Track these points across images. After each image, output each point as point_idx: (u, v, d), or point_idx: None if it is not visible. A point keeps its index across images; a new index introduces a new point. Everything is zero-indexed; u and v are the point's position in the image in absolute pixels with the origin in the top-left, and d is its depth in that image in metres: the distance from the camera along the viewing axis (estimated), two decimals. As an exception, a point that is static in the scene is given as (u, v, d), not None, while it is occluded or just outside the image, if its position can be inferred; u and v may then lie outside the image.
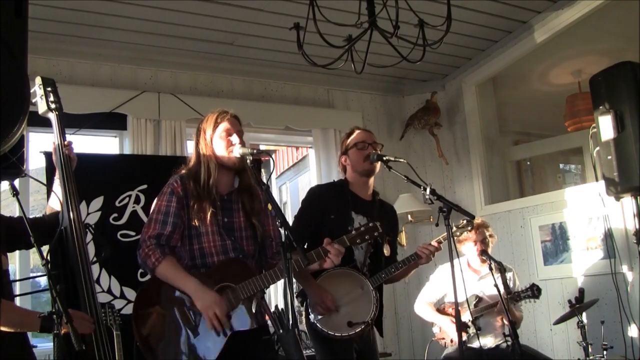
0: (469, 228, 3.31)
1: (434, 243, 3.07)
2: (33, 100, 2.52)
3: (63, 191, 2.44)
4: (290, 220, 3.21)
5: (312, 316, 2.93)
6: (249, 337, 2.51)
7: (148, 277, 2.68)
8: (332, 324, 2.90)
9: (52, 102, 2.51)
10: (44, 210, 2.60)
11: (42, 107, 2.52)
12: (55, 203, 2.52)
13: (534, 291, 3.72)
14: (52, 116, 2.51)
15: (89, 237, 3.74)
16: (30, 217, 2.66)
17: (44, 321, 2.08)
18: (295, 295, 3.18)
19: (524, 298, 3.76)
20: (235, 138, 2.61)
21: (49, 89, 2.54)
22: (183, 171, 2.67)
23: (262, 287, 2.52)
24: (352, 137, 3.25)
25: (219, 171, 2.61)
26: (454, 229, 3.25)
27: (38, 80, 2.55)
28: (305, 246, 3.00)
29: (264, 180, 5.15)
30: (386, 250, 3.16)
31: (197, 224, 2.55)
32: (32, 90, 2.51)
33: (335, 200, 3.14)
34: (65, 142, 2.50)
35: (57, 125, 2.51)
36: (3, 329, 2.10)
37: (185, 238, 2.57)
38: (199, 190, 2.56)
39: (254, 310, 2.52)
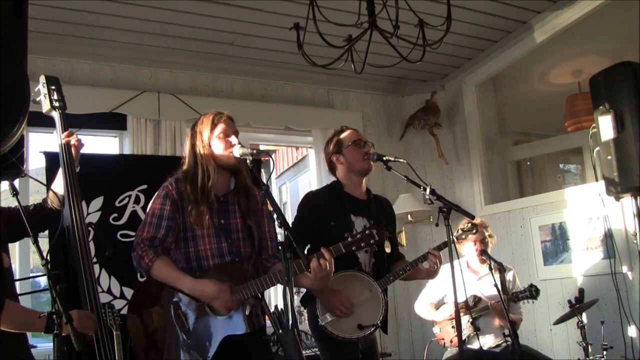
0: (474, 231, 3.30)
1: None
2: (37, 99, 2.53)
3: (66, 189, 2.44)
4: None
5: (321, 319, 2.89)
6: (244, 339, 2.50)
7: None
8: (342, 327, 2.88)
9: (55, 100, 2.51)
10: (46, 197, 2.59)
11: (45, 106, 2.53)
12: (58, 188, 2.52)
13: (532, 292, 3.71)
14: (55, 115, 2.51)
15: (90, 235, 3.75)
16: (31, 203, 2.66)
17: (48, 322, 2.08)
18: (300, 302, 3.17)
19: (522, 299, 3.76)
20: (234, 139, 2.60)
21: (53, 87, 2.53)
22: (178, 173, 2.65)
23: (257, 292, 2.50)
24: (345, 135, 3.18)
25: (216, 172, 2.60)
26: (459, 232, 3.25)
27: (42, 78, 2.54)
28: (305, 252, 2.98)
29: (264, 180, 5.15)
30: (387, 248, 3.12)
31: (194, 227, 2.54)
32: (36, 89, 2.51)
33: (332, 206, 3.08)
34: (74, 140, 2.51)
35: (60, 124, 2.51)
36: (7, 329, 2.10)
37: (181, 241, 2.56)
38: (197, 193, 2.54)
39: (247, 315, 2.51)
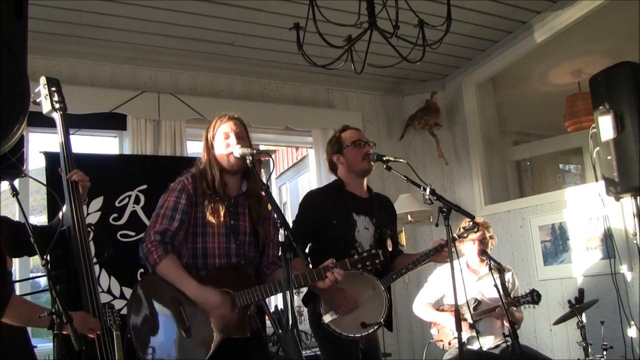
0: (475, 230, 3.29)
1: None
2: (37, 100, 2.56)
3: (66, 191, 2.44)
4: (289, 222, 3.18)
5: (324, 318, 2.89)
6: (242, 341, 2.51)
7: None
8: (345, 325, 2.88)
9: (56, 101, 2.53)
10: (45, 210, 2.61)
11: (46, 107, 2.55)
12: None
13: (534, 297, 3.69)
14: (56, 116, 2.54)
15: (90, 236, 3.76)
16: (38, 224, 2.68)
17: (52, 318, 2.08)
18: (302, 301, 3.17)
19: (523, 303, 3.74)
20: (232, 140, 2.60)
21: (54, 88, 2.56)
22: (193, 170, 2.67)
23: (258, 299, 2.49)
24: (346, 135, 3.19)
25: (223, 174, 2.61)
26: (460, 230, 3.24)
27: (43, 80, 2.56)
28: (307, 250, 2.98)
29: (264, 180, 5.16)
30: (389, 245, 3.13)
31: (205, 223, 2.55)
32: (36, 90, 2.54)
33: (334, 204, 3.09)
34: (76, 176, 2.49)
35: (61, 125, 2.53)
36: (13, 323, 2.11)
37: (190, 236, 2.56)
38: (212, 191, 2.57)
39: (248, 318, 2.52)
